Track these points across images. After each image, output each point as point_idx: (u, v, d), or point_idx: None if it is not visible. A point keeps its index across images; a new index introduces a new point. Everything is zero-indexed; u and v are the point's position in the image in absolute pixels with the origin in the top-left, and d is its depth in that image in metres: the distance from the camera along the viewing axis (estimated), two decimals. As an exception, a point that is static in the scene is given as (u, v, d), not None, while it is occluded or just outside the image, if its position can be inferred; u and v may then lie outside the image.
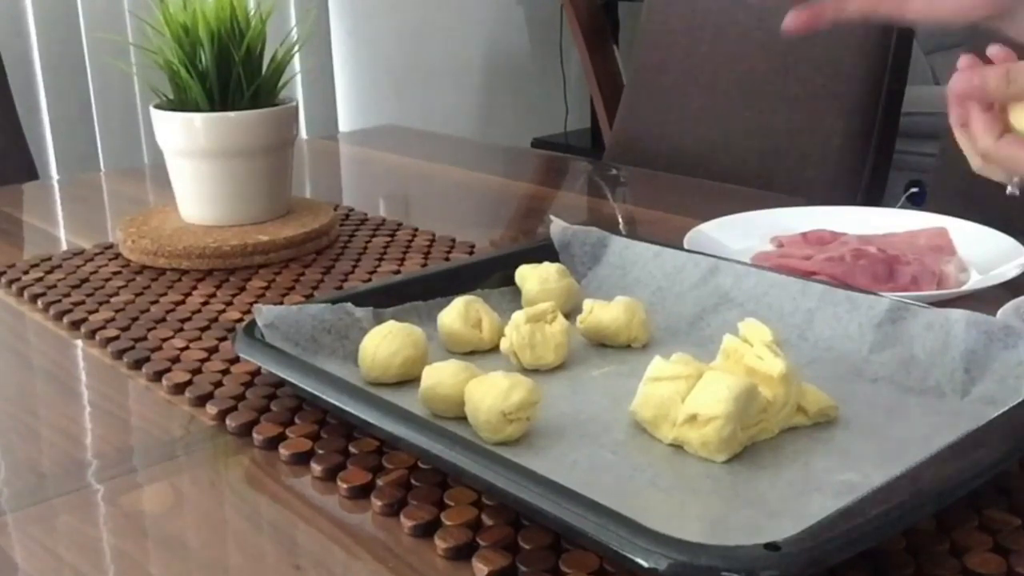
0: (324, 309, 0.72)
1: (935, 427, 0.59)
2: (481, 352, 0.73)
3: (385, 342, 0.68)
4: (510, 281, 0.82)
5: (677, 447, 0.58)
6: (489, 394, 0.59)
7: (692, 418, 0.57)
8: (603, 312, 0.73)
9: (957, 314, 0.65)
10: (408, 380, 0.68)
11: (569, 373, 0.70)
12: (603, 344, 0.74)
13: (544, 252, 0.85)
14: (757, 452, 0.58)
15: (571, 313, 0.76)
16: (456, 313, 0.73)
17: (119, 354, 0.78)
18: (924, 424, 0.60)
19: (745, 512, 0.52)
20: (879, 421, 0.61)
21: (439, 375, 0.63)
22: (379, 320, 0.72)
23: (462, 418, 0.63)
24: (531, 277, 0.80)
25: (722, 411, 0.56)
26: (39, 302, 0.89)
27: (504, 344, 0.71)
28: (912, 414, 0.62)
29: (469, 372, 0.63)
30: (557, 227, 0.87)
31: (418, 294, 0.78)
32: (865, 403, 0.63)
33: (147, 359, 0.76)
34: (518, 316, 0.70)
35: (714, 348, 0.69)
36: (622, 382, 0.68)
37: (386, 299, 0.77)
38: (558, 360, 0.70)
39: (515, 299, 0.80)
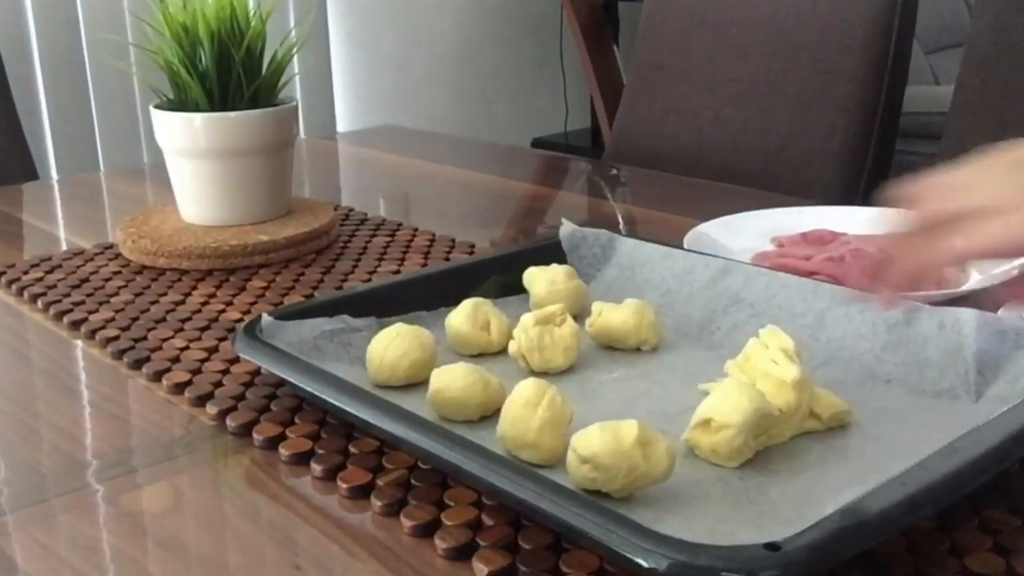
0: (323, 322, 0.72)
1: (949, 433, 0.58)
2: (490, 354, 0.72)
3: (393, 344, 0.67)
4: (514, 284, 0.81)
5: (691, 448, 0.58)
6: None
7: (705, 423, 0.57)
8: (612, 315, 0.73)
9: (968, 314, 0.64)
10: (416, 383, 0.67)
11: (579, 376, 0.70)
12: (612, 347, 0.73)
13: (547, 252, 0.85)
14: (769, 458, 0.57)
15: (580, 315, 0.76)
16: (464, 315, 0.72)
17: (119, 354, 0.78)
18: (939, 430, 0.58)
19: (756, 520, 0.52)
20: (893, 427, 0.60)
21: (448, 378, 0.63)
22: (383, 327, 0.72)
23: (471, 421, 0.63)
24: (539, 279, 0.79)
25: (737, 421, 0.55)
26: (39, 302, 0.89)
27: (512, 347, 0.70)
28: (926, 418, 0.61)
29: (478, 375, 0.63)
30: (568, 228, 0.86)
31: (419, 294, 0.78)
32: (878, 406, 0.62)
33: (147, 359, 0.76)
34: (527, 319, 0.69)
35: (724, 352, 0.69)
36: (632, 384, 0.68)
37: (387, 298, 0.77)
38: (567, 363, 0.69)
39: (523, 301, 0.80)
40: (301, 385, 0.64)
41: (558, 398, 0.58)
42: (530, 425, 0.57)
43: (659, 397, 0.66)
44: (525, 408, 0.57)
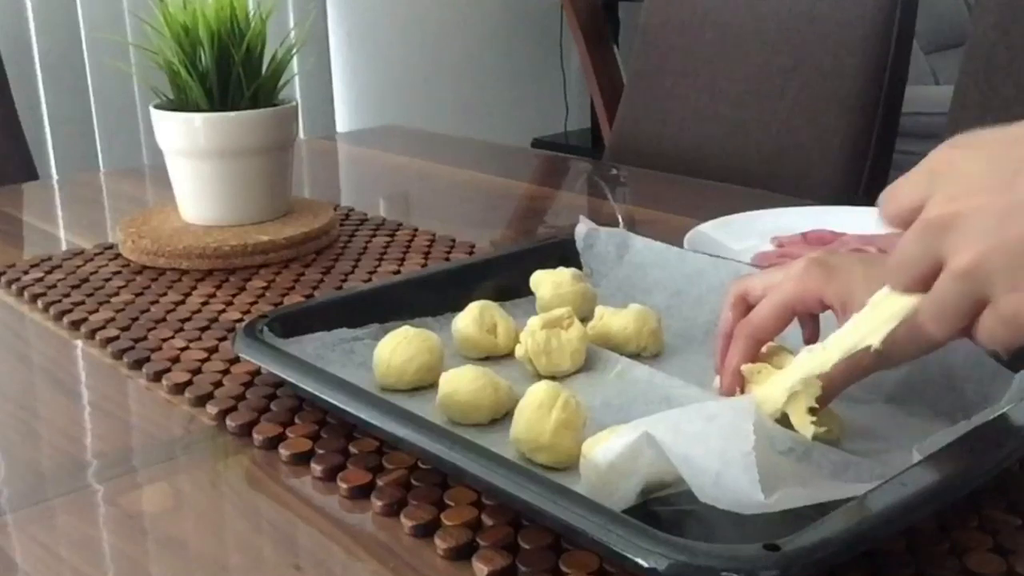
0: (323, 336, 0.72)
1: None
2: (496, 357, 0.72)
3: (400, 347, 0.67)
4: (514, 285, 0.81)
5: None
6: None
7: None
8: (613, 320, 0.72)
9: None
10: (423, 386, 0.67)
11: (587, 378, 0.69)
12: (615, 352, 0.72)
13: (548, 252, 0.84)
14: None
15: (587, 318, 0.75)
16: (471, 318, 0.72)
17: (119, 354, 0.78)
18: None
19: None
20: (885, 442, 0.60)
21: (458, 382, 0.62)
22: (387, 332, 0.71)
23: (480, 425, 0.62)
24: (545, 282, 0.79)
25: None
26: (39, 302, 0.89)
27: (519, 351, 0.70)
28: (919, 433, 0.61)
29: (488, 378, 0.62)
30: (584, 227, 0.86)
31: (419, 295, 0.78)
32: (873, 420, 0.62)
33: (147, 359, 0.76)
34: (533, 322, 0.69)
35: None
36: (638, 371, 0.68)
37: (388, 298, 0.76)
38: (575, 367, 0.69)
39: (530, 304, 0.79)
40: (301, 385, 0.64)
41: (572, 400, 0.58)
42: (544, 427, 0.56)
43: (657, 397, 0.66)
44: (539, 410, 0.57)
